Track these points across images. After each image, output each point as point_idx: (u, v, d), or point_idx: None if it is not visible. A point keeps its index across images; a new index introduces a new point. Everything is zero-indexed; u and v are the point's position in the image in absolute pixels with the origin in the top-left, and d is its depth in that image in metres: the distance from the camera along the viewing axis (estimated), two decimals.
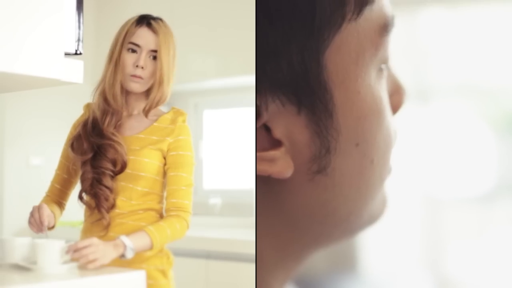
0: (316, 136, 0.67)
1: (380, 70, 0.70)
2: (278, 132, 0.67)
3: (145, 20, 1.72)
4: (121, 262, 1.60)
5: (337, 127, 0.67)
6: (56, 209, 1.76)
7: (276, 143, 0.68)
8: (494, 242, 2.84)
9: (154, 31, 1.70)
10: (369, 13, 0.67)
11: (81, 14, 1.44)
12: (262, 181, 0.69)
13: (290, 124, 0.67)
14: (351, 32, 0.66)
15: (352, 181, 0.70)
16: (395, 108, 0.75)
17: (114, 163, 1.67)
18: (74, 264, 1.50)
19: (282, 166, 0.67)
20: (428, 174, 2.94)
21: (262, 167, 0.67)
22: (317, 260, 0.77)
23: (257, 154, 0.67)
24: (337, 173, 0.69)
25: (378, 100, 0.69)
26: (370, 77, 0.68)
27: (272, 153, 0.67)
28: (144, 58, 1.68)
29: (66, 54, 1.40)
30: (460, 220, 2.93)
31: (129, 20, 1.74)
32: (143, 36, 1.70)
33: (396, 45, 0.90)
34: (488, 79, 2.90)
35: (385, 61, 0.70)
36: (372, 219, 0.75)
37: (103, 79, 1.72)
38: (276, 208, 0.70)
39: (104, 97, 1.71)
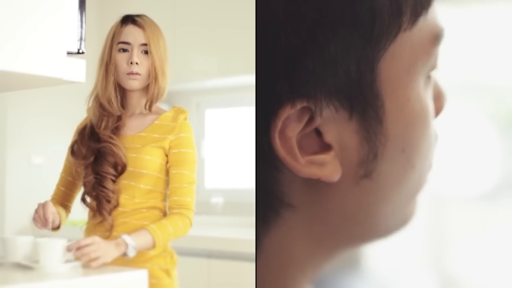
0: (365, 141, 0.68)
1: (428, 78, 0.72)
2: (329, 136, 0.68)
3: (129, 19, 1.75)
4: (125, 261, 1.60)
5: (386, 133, 0.69)
6: (61, 211, 1.77)
7: (326, 147, 0.69)
8: (498, 240, 2.84)
9: (140, 26, 1.73)
10: (423, 23, 0.69)
11: (84, 13, 1.43)
12: (308, 181, 0.70)
13: (341, 129, 0.68)
14: (405, 41, 0.68)
15: (395, 185, 0.72)
16: (436, 114, 0.77)
17: (115, 166, 1.68)
18: (76, 263, 1.50)
19: (331, 170, 0.68)
20: (432, 172, 2.94)
21: (311, 170, 0.68)
22: None
23: (307, 157, 0.68)
24: (381, 178, 0.70)
25: (425, 107, 0.71)
26: (419, 85, 0.70)
27: (322, 157, 0.68)
28: (136, 53, 1.70)
29: (68, 53, 1.40)
30: (463, 218, 2.93)
31: (113, 24, 1.76)
32: (131, 33, 1.72)
33: None
34: (492, 77, 2.89)
35: (433, 69, 0.72)
36: (405, 221, 0.77)
37: (96, 84, 1.74)
38: (315, 207, 0.71)
39: (99, 102, 1.72)
